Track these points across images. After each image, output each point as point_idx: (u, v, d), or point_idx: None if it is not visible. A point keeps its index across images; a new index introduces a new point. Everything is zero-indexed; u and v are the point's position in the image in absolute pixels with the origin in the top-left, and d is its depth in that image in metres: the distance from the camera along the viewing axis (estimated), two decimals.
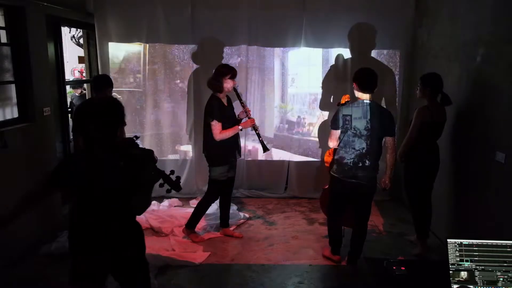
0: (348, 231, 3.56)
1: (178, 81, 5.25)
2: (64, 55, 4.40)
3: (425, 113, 3.41)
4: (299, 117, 6.03)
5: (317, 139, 5.42)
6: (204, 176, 4.87)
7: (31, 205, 2.04)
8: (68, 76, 7.58)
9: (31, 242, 3.62)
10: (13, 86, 3.72)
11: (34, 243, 3.62)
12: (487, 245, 1.87)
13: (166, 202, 4.81)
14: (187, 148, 5.33)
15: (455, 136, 3.67)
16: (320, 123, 5.31)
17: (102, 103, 2.11)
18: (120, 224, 2.03)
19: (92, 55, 5.01)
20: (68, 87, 5.72)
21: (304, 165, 5.29)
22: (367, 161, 3.22)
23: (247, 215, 4.55)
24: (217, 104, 3.66)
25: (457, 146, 3.67)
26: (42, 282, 3.17)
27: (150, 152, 2.13)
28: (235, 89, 3.83)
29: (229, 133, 3.67)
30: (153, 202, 4.73)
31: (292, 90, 6.16)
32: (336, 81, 4.98)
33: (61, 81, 4.31)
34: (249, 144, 5.41)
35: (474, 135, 3.39)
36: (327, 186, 3.78)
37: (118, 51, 5.36)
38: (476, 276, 1.85)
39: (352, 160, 3.23)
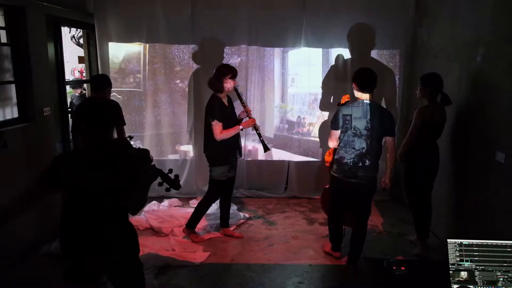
0: (349, 230, 3.57)
1: (178, 81, 5.25)
2: (64, 55, 4.40)
3: (425, 113, 3.41)
4: (299, 117, 6.03)
5: (317, 139, 5.42)
6: (204, 176, 4.87)
7: (24, 207, 2.00)
8: (68, 76, 7.58)
9: (31, 242, 3.62)
10: (13, 86, 3.72)
11: (34, 243, 3.62)
12: (487, 245, 1.87)
13: (166, 202, 4.81)
14: (187, 148, 5.33)
15: (455, 136, 3.67)
16: (321, 123, 5.31)
17: (93, 104, 2.09)
18: (112, 225, 2.01)
19: (92, 55, 5.01)
20: (68, 87, 5.72)
21: (304, 165, 5.29)
22: (367, 161, 3.23)
23: (247, 215, 4.56)
24: (217, 104, 3.66)
25: (457, 146, 3.67)
26: (42, 282, 3.17)
27: (146, 152, 2.12)
28: (235, 89, 3.83)
29: (229, 133, 3.67)
30: (153, 202, 4.74)
31: (292, 90, 6.16)
32: (336, 81, 4.98)
33: (61, 81, 4.31)
34: (249, 144, 5.41)
35: (474, 135, 3.39)
36: (328, 186, 3.79)
37: (118, 51, 5.37)
38: (476, 276, 1.85)
39: (352, 160, 3.23)
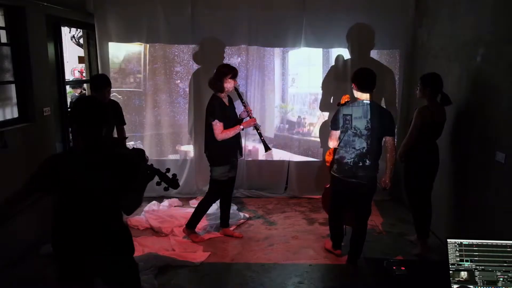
0: (350, 230, 3.57)
1: (178, 81, 5.25)
2: (64, 55, 4.40)
3: (425, 113, 3.41)
4: (299, 117, 6.03)
5: (317, 139, 5.43)
6: (204, 176, 4.87)
7: (13, 209, 1.95)
8: (68, 76, 7.59)
9: (31, 242, 3.62)
10: (13, 86, 3.72)
11: (34, 243, 3.62)
12: (487, 245, 1.87)
13: (166, 202, 4.81)
14: (188, 148, 5.34)
15: (455, 136, 3.67)
16: (321, 123, 5.31)
17: (85, 103, 2.07)
18: (106, 225, 1.99)
19: (92, 55, 5.01)
20: (68, 87, 5.73)
21: (304, 165, 5.29)
22: (367, 161, 3.23)
23: (247, 215, 4.56)
24: (218, 104, 3.66)
25: (457, 146, 3.67)
26: (42, 282, 3.17)
27: (141, 151, 2.11)
28: (236, 89, 3.83)
29: (230, 132, 3.67)
30: (153, 202, 4.74)
31: (293, 90, 6.16)
32: (336, 82, 4.99)
33: (61, 81, 4.31)
34: (249, 144, 5.41)
35: (474, 135, 3.39)
36: (328, 185, 3.79)
37: (118, 51, 5.37)
38: (476, 276, 1.85)
39: (352, 159, 3.24)
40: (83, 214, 1.95)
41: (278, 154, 5.45)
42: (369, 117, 3.20)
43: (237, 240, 3.99)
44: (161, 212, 4.52)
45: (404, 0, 4.74)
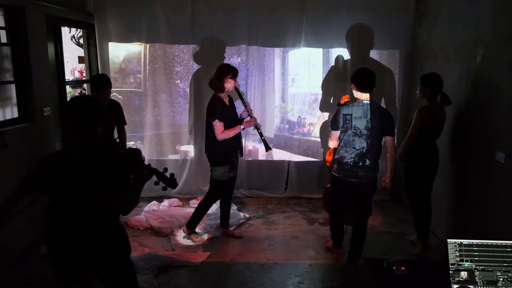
0: (351, 229, 3.56)
1: (179, 81, 5.25)
2: (64, 55, 4.40)
3: (425, 113, 3.41)
4: (299, 117, 6.03)
5: (317, 139, 5.43)
6: (204, 176, 4.87)
7: (8, 211, 1.95)
8: (68, 76, 7.58)
9: (31, 242, 3.62)
10: (13, 86, 3.71)
11: (34, 243, 3.62)
12: (487, 245, 1.87)
13: (166, 202, 4.81)
14: (188, 148, 5.34)
15: (455, 136, 3.67)
16: (322, 123, 5.31)
17: (77, 103, 2.05)
18: (101, 225, 1.98)
19: (92, 55, 5.01)
20: (68, 87, 5.72)
21: (304, 165, 5.29)
22: (367, 161, 3.23)
23: (247, 215, 4.55)
24: (219, 104, 3.66)
25: (457, 146, 3.67)
26: (42, 282, 3.16)
27: (137, 151, 2.11)
28: (237, 89, 3.83)
29: (231, 132, 3.66)
30: (153, 202, 4.74)
31: (293, 90, 6.15)
32: (335, 82, 4.99)
33: (61, 81, 4.31)
34: (249, 144, 5.42)
35: (474, 135, 3.39)
36: (329, 185, 3.79)
37: (119, 51, 5.37)
38: (476, 276, 1.85)
39: (352, 159, 3.24)
40: (77, 214, 1.93)
41: (278, 154, 5.46)
42: (369, 117, 3.20)
43: (237, 240, 3.99)
44: (161, 212, 4.52)
45: (404, 0, 4.74)
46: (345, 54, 4.95)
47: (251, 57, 5.05)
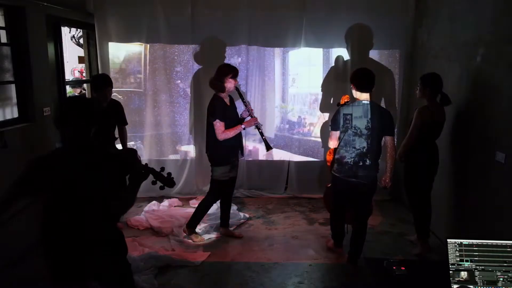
0: (351, 229, 3.56)
1: (179, 81, 5.25)
2: (64, 55, 4.40)
3: (425, 113, 3.41)
4: (299, 117, 6.03)
5: (318, 139, 5.43)
6: (204, 176, 4.87)
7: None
8: (68, 76, 7.58)
9: (31, 242, 3.61)
10: (13, 86, 3.72)
11: (34, 243, 3.62)
12: (487, 245, 1.87)
13: (166, 202, 4.81)
14: (188, 148, 5.34)
15: (455, 136, 3.67)
16: (322, 123, 5.32)
17: (70, 103, 2.05)
18: (97, 226, 1.97)
19: (92, 55, 5.01)
20: (68, 87, 5.72)
21: (304, 165, 5.29)
22: (367, 160, 3.23)
23: (247, 215, 4.56)
24: (219, 104, 3.66)
25: (457, 146, 3.67)
26: (42, 282, 3.16)
27: (133, 151, 2.10)
28: (237, 89, 3.83)
29: (231, 132, 3.66)
30: (153, 202, 4.74)
31: (293, 90, 6.15)
32: (335, 83, 4.99)
33: (61, 81, 4.31)
34: (249, 144, 5.42)
35: (474, 135, 3.39)
36: (330, 184, 3.79)
37: (119, 51, 5.36)
38: (476, 276, 1.85)
39: (352, 159, 3.24)
40: (72, 215, 1.92)
41: (278, 154, 5.46)
42: (369, 116, 3.20)
43: (237, 240, 3.99)
44: (161, 212, 4.52)
45: (404, 0, 4.74)
46: (345, 54, 4.95)
47: (251, 57, 5.05)
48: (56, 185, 1.89)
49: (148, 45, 5.19)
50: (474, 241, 1.88)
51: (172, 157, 5.34)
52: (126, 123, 4.24)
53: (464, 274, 1.86)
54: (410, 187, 3.64)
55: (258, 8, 4.81)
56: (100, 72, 4.74)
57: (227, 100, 3.75)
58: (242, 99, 3.90)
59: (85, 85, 6.40)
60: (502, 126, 3.02)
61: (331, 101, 5.03)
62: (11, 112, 3.79)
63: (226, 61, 4.84)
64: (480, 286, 1.84)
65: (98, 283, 2.11)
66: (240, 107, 4.01)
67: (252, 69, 5.09)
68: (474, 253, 1.87)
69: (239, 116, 3.91)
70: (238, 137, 3.82)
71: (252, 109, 3.91)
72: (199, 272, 3.38)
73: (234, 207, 4.52)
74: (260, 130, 3.87)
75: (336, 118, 3.31)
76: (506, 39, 3.01)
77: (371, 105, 3.22)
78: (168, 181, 2.14)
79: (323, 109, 5.20)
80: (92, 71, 5.03)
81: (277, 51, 5.53)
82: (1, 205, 1.92)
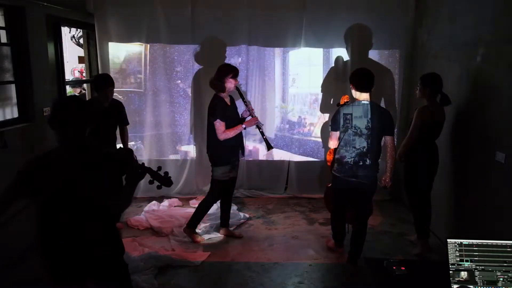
0: (351, 229, 3.57)
1: (179, 81, 5.25)
2: (64, 55, 4.40)
3: (425, 113, 3.41)
4: (300, 117, 6.02)
5: (318, 139, 5.43)
6: (204, 176, 4.87)
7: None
8: (68, 76, 7.58)
9: (31, 242, 3.61)
10: (13, 86, 3.72)
11: (34, 243, 3.62)
12: (487, 245, 1.87)
13: (166, 202, 4.81)
14: (188, 148, 5.34)
15: (455, 136, 3.67)
16: (322, 123, 5.32)
17: (63, 103, 2.04)
18: (92, 226, 1.96)
19: (92, 55, 5.01)
20: (68, 87, 5.72)
21: (304, 165, 5.29)
22: (367, 160, 3.23)
23: (247, 215, 4.56)
24: (220, 104, 3.66)
25: (457, 146, 3.67)
26: (42, 282, 3.16)
27: (129, 151, 2.09)
28: (238, 88, 3.83)
29: (232, 132, 3.66)
30: (153, 202, 4.74)
31: (293, 90, 6.15)
32: (335, 83, 4.99)
33: (61, 81, 4.30)
34: (249, 144, 5.41)
35: (474, 135, 3.39)
36: (330, 184, 3.79)
37: (119, 51, 5.36)
38: (476, 276, 1.85)
39: (352, 159, 3.24)
40: (67, 215, 1.91)
41: (279, 154, 5.46)
42: (369, 116, 3.20)
43: (237, 240, 3.99)
44: (161, 212, 4.52)
45: (404, 0, 4.74)
46: (345, 54, 4.95)
47: (251, 57, 5.05)
48: (52, 185, 1.88)
49: (148, 45, 5.18)
50: (474, 241, 1.88)
51: (172, 157, 5.34)
52: (128, 123, 4.23)
53: (464, 274, 1.86)
54: (410, 187, 3.64)
55: (258, 8, 4.81)
56: (100, 72, 4.74)
57: (227, 100, 3.75)
58: (243, 99, 3.90)
59: (85, 85, 6.40)
60: (502, 126, 3.02)
61: (331, 101, 5.03)
62: (11, 112, 3.79)
63: (226, 61, 4.84)
64: (480, 286, 1.84)
65: (95, 284, 2.11)
66: (240, 107, 4.01)
67: (252, 69, 5.09)
68: (474, 253, 1.87)
69: (240, 116, 3.90)
70: (239, 137, 3.82)
71: (252, 109, 3.91)
72: (199, 272, 3.38)
73: (234, 207, 4.52)
74: (260, 130, 3.87)
75: (336, 118, 3.31)
76: (506, 39, 3.01)
77: (371, 105, 3.23)
78: (165, 181, 2.13)
79: (323, 109, 5.20)
80: (92, 71, 5.04)
81: (277, 51, 5.52)
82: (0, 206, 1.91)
